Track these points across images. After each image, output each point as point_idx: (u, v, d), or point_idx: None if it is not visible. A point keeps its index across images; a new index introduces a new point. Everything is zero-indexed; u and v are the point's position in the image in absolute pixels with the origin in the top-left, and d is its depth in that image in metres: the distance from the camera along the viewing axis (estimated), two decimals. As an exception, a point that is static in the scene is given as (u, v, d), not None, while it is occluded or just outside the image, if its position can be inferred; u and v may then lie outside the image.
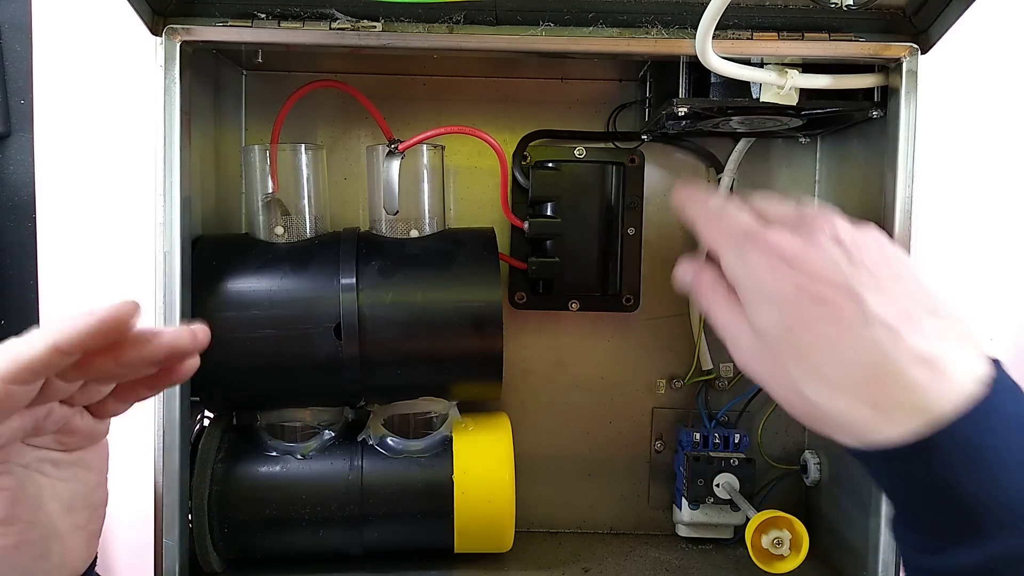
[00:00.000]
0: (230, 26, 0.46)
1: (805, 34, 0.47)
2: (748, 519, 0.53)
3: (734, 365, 0.62)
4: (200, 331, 0.37)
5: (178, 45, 0.46)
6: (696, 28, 0.42)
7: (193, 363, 0.38)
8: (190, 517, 0.50)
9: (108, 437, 0.43)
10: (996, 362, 0.36)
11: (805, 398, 0.38)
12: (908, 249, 0.48)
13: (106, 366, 0.35)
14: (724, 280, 0.42)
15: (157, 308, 0.47)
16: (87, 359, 0.35)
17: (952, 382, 0.35)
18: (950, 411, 0.34)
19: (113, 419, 0.41)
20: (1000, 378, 0.35)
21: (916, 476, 0.35)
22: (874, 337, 0.36)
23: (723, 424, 0.61)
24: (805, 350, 0.38)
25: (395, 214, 0.53)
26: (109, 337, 0.34)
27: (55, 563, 0.39)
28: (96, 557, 0.42)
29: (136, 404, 0.41)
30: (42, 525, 0.39)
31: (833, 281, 0.37)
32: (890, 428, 0.35)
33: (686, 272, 0.45)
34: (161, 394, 0.47)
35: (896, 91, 0.48)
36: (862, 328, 0.36)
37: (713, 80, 0.50)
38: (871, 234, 0.40)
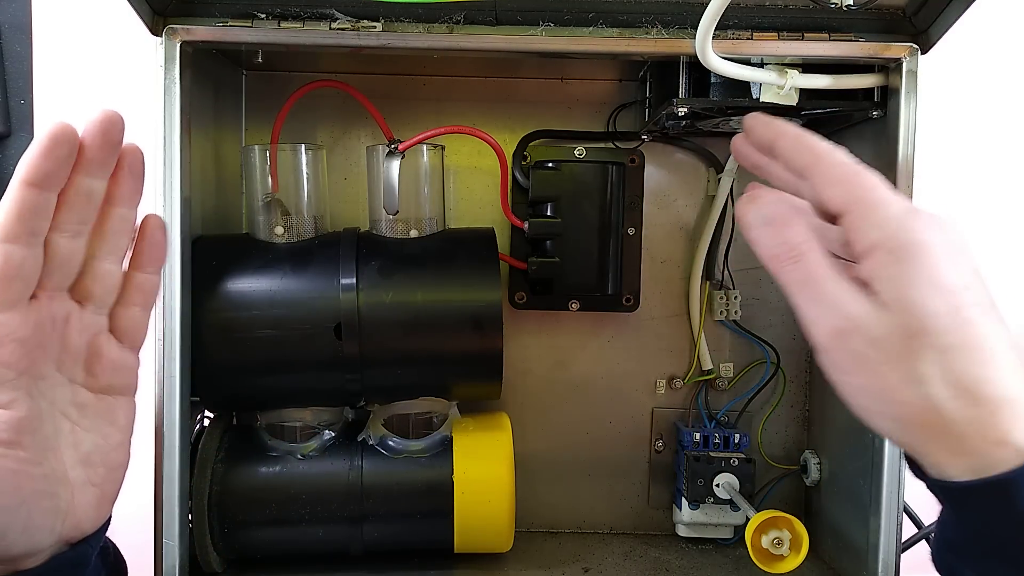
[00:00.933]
0: (230, 26, 0.46)
1: (805, 34, 0.47)
2: (748, 519, 0.53)
3: (734, 365, 0.62)
4: (105, 113, 0.38)
5: (178, 45, 0.46)
6: (696, 28, 0.42)
7: (138, 163, 0.40)
8: (190, 517, 0.50)
9: (136, 397, 0.42)
10: None
11: (913, 389, 0.33)
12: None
13: (77, 190, 0.37)
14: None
15: (157, 308, 0.47)
16: (62, 193, 0.36)
17: None
18: None
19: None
20: None
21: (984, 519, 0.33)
22: (1012, 362, 0.33)
23: (723, 424, 0.61)
24: (949, 348, 0.33)
25: (395, 214, 0.53)
26: (60, 152, 0.36)
27: (60, 508, 0.38)
28: (109, 520, 0.41)
29: (144, 307, 0.42)
30: (50, 466, 0.38)
31: (979, 288, 0.34)
32: (1016, 458, 0.32)
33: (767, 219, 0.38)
34: (161, 394, 0.47)
35: (896, 91, 0.48)
36: (1006, 349, 0.33)
37: (713, 80, 0.50)
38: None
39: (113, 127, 0.38)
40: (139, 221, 0.42)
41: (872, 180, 0.36)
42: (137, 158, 0.40)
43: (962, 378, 0.32)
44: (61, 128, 0.36)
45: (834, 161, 0.37)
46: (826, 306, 0.35)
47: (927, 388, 0.33)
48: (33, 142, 0.36)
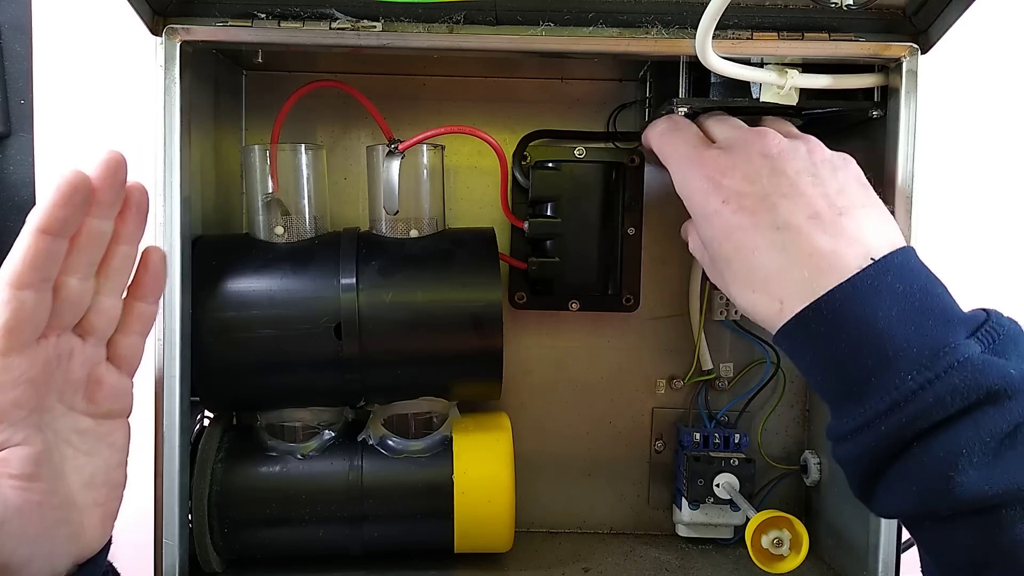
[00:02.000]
0: (230, 26, 0.46)
1: (805, 34, 0.47)
2: (748, 519, 0.53)
3: (734, 365, 0.62)
4: (111, 156, 0.39)
5: (178, 45, 0.46)
6: (696, 28, 0.42)
7: (144, 201, 0.41)
8: (190, 517, 0.50)
9: (130, 419, 0.43)
10: (906, 248, 0.41)
11: (736, 300, 0.44)
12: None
13: (89, 233, 0.38)
14: None
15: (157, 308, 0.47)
16: (74, 238, 0.38)
17: (838, 269, 0.39)
18: (826, 290, 0.39)
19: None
20: (893, 260, 0.39)
21: (803, 352, 0.40)
22: (780, 239, 0.41)
23: (723, 424, 0.61)
24: (728, 258, 0.43)
25: (395, 214, 0.53)
26: (77, 199, 0.36)
27: (75, 533, 0.40)
28: (111, 539, 0.43)
29: (142, 334, 0.43)
30: (62, 494, 0.39)
31: (750, 192, 0.43)
32: (790, 314, 0.40)
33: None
34: (161, 394, 0.47)
35: (896, 91, 0.48)
36: (771, 232, 0.41)
37: (713, 80, 0.50)
38: (802, 142, 0.45)
39: (120, 168, 0.39)
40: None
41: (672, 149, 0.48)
42: (143, 196, 0.41)
43: (735, 279, 0.43)
44: (76, 176, 0.36)
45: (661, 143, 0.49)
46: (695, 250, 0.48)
47: (730, 290, 0.44)
48: (48, 191, 0.36)
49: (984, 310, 0.40)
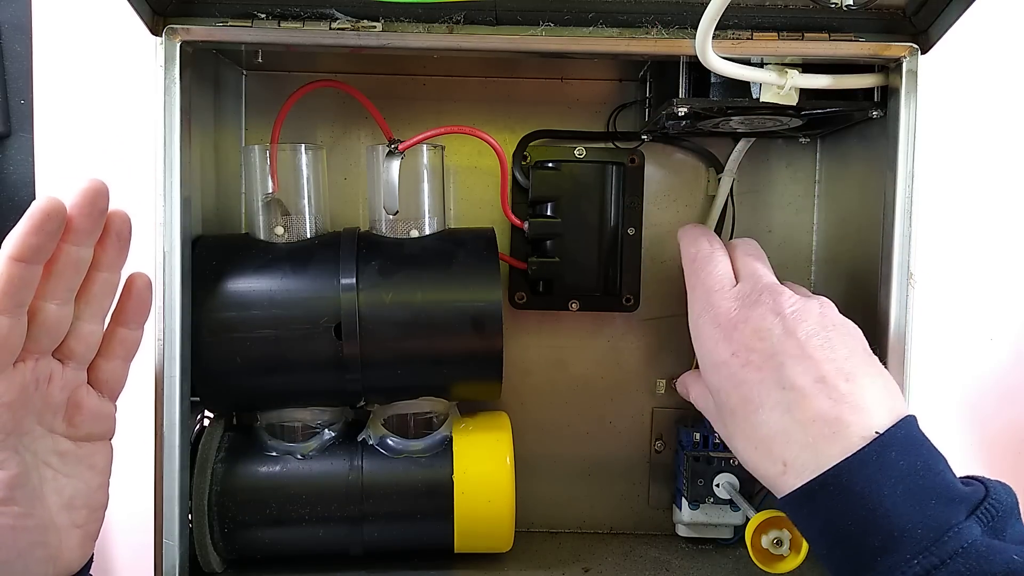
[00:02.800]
0: (230, 26, 0.46)
1: (805, 34, 0.47)
2: (748, 519, 0.53)
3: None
4: (92, 184, 0.39)
5: (178, 45, 0.46)
6: (696, 28, 0.42)
7: (126, 229, 0.41)
8: (190, 517, 0.50)
9: (113, 441, 0.43)
10: (908, 419, 0.41)
11: (739, 454, 0.44)
12: (908, 249, 0.48)
13: (66, 259, 0.38)
14: None
15: (157, 308, 0.47)
16: (47, 265, 0.37)
17: (841, 439, 0.39)
18: (833, 464, 0.39)
19: (115, 413, 0.43)
20: (896, 434, 0.39)
21: (810, 523, 0.40)
22: (785, 400, 0.41)
23: (723, 424, 0.61)
24: (733, 410, 0.44)
25: (395, 214, 0.53)
26: (49, 227, 0.36)
27: (51, 555, 0.40)
28: (92, 559, 0.43)
29: (125, 360, 0.43)
30: (40, 516, 0.39)
31: (760, 349, 0.43)
32: (794, 480, 0.40)
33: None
34: (161, 394, 0.47)
35: (896, 91, 0.48)
36: (776, 391, 0.42)
37: (713, 80, 0.50)
38: (816, 303, 0.45)
39: (99, 196, 0.38)
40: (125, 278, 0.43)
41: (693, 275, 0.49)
42: (125, 224, 0.41)
43: (738, 433, 0.44)
44: (50, 203, 0.36)
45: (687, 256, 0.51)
46: (696, 396, 0.51)
47: (733, 444, 0.45)
48: (23, 218, 0.36)
49: (982, 483, 0.40)
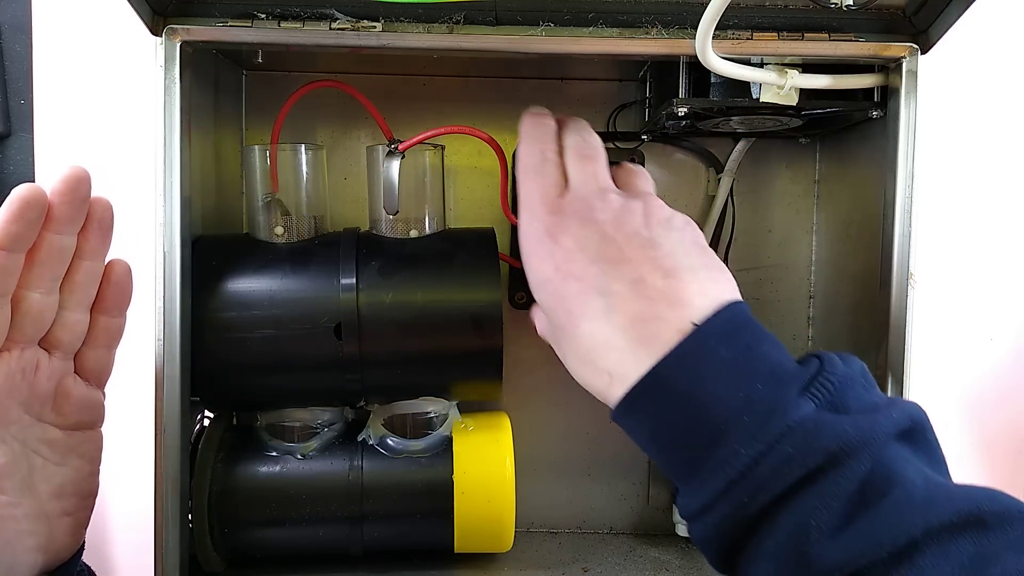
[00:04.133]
0: (230, 26, 0.46)
1: (805, 34, 0.47)
2: (748, 519, 0.53)
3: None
4: (73, 171, 0.38)
5: (178, 45, 0.46)
6: (696, 28, 0.42)
7: (107, 216, 0.41)
8: (190, 517, 0.50)
9: (103, 430, 0.44)
10: (731, 305, 0.38)
11: (573, 373, 0.42)
12: (908, 249, 0.48)
13: (49, 248, 0.38)
14: None
15: (157, 308, 0.47)
16: (31, 254, 0.38)
17: (660, 338, 0.37)
18: (650, 363, 0.37)
19: (105, 416, 0.43)
20: (715, 322, 0.37)
21: (639, 432, 0.39)
22: (604, 306, 0.39)
23: (723, 424, 0.61)
24: (561, 328, 0.41)
25: (395, 214, 0.53)
26: (30, 215, 0.36)
27: (41, 544, 0.40)
28: (83, 545, 0.43)
29: (110, 347, 0.43)
30: (29, 504, 0.40)
31: (580, 259, 0.41)
32: (619, 390, 0.38)
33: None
34: (161, 394, 0.47)
35: (896, 91, 0.48)
36: (595, 299, 0.39)
37: (713, 80, 0.50)
38: (639, 202, 0.43)
39: (80, 184, 0.38)
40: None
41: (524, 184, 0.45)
42: (107, 212, 0.41)
43: (568, 349, 0.42)
44: (30, 191, 0.36)
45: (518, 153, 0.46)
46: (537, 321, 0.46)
47: (566, 359, 0.42)
48: (3, 206, 0.36)
49: (817, 356, 0.37)
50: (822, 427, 0.34)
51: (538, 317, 0.47)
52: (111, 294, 0.43)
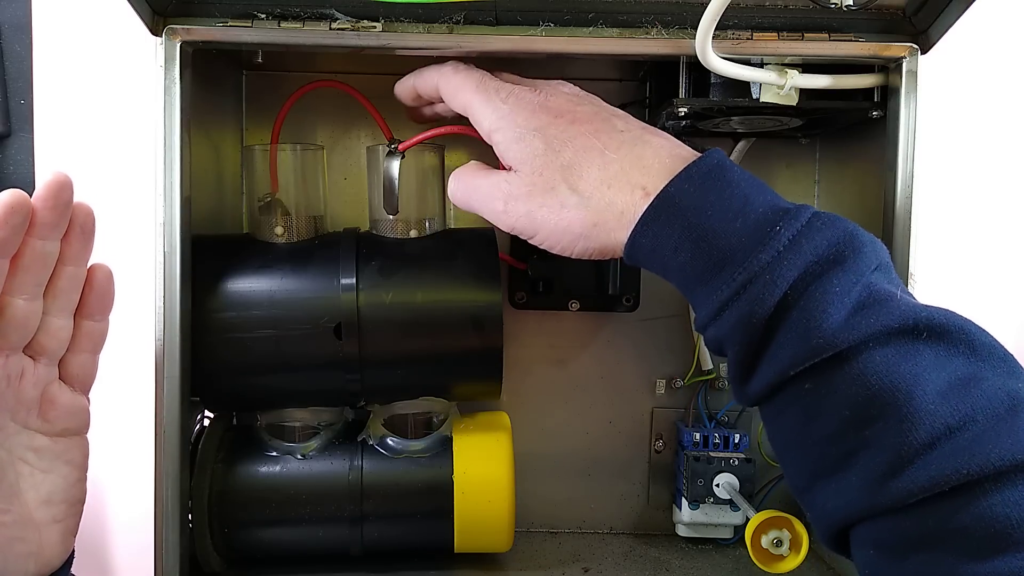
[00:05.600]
0: (230, 26, 0.46)
1: (805, 34, 0.47)
2: (748, 519, 0.53)
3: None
4: (56, 177, 0.39)
5: (178, 45, 0.46)
6: (696, 28, 0.42)
7: (89, 221, 0.41)
8: (190, 517, 0.50)
9: (89, 435, 0.43)
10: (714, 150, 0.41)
11: (572, 212, 0.42)
12: (908, 249, 0.48)
13: (33, 254, 0.38)
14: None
15: (157, 308, 0.47)
16: (14, 260, 0.38)
17: (684, 158, 0.41)
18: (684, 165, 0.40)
19: (92, 423, 0.43)
20: (713, 153, 0.41)
21: (669, 232, 0.39)
22: (629, 138, 0.42)
23: (723, 424, 0.61)
24: (569, 164, 0.42)
25: (395, 214, 0.53)
26: (14, 221, 0.36)
27: (31, 551, 0.40)
28: (72, 555, 0.43)
29: (93, 352, 0.43)
30: (18, 512, 0.40)
31: (580, 110, 0.44)
32: (647, 202, 0.40)
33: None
34: (161, 394, 0.47)
35: (896, 91, 0.48)
36: (616, 134, 0.42)
37: (713, 80, 0.50)
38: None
39: (63, 190, 0.38)
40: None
41: (471, 86, 0.46)
42: (89, 217, 0.41)
43: (590, 174, 0.42)
44: (14, 196, 0.36)
45: (449, 80, 0.47)
46: (489, 194, 0.45)
47: (573, 198, 0.42)
48: None
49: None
50: (838, 217, 0.38)
51: (492, 181, 0.46)
52: (94, 299, 0.42)
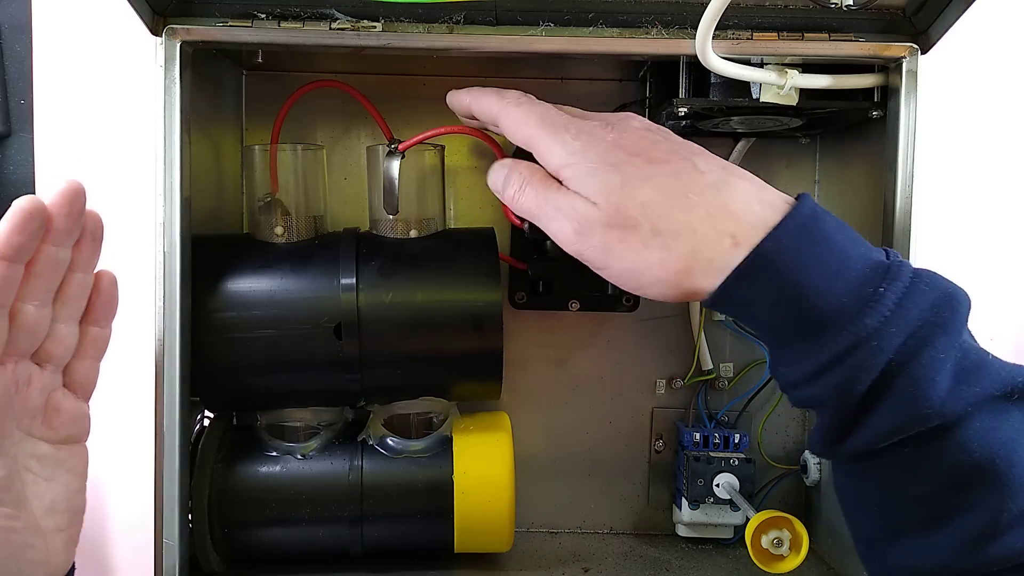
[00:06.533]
0: (230, 26, 0.46)
1: (805, 34, 0.47)
2: (748, 519, 0.53)
3: (734, 365, 0.62)
4: (70, 184, 0.39)
5: (178, 45, 0.46)
6: (696, 28, 0.42)
7: (99, 229, 0.41)
8: (190, 517, 0.50)
9: (97, 437, 0.43)
10: (804, 195, 0.40)
11: (654, 254, 0.39)
12: (908, 249, 0.48)
13: (46, 260, 0.39)
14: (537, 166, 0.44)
15: (157, 308, 0.47)
16: (27, 266, 0.38)
17: (781, 206, 0.39)
18: (770, 228, 0.38)
19: (91, 427, 0.43)
20: (806, 202, 0.39)
21: (764, 289, 0.38)
22: (714, 180, 0.40)
23: (723, 424, 0.61)
24: (652, 203, 0.39)
25: (395, 214, 0.53)
26: (32, 226, 0.37)
27: (40, 558, 0.40)
28: (74, 566, 0.43)
29: (97, 359, 0.43)
30: (26, 519, 0.39)
31: (657, 149, 0.41)
32: (739, 253, 0.38)
33: (500, 168, 0.46)
34: (161, 394, 0.47)
35: (896, 91, 0.48)
36: (700, 176, 0.40)
37: (713, 80, 0.50)
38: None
39: (77, 197, 0.39)
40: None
41: (535, 121, 0.43)
42: (99, 225, 0.41)
43: (673, 216, 0.39)
44: (32, 203, 0.37)
45: (510, 113, 0.44)
46: (563, 213, 0.41)
47: (656, 240, 0.39)
48: (5, 218, 0.37)
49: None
50: (934, 274, 0.38)
51: (579, 203, 0.41)
52: (100, 305, 0.43)
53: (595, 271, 0.42)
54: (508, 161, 0.45)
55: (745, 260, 0.37)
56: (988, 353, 0.37)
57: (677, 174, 0.40)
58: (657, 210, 0.39)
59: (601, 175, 0.40)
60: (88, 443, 0.44)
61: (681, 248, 0.39)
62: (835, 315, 0.36)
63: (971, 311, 0.37)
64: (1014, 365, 0.36)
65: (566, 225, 0.41)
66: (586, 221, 0.40)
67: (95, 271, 0.42)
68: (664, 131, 0.43)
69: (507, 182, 0.44)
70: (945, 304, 0.36)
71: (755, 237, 0.38)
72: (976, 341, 0.37)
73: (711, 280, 0.38)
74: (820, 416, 0.39)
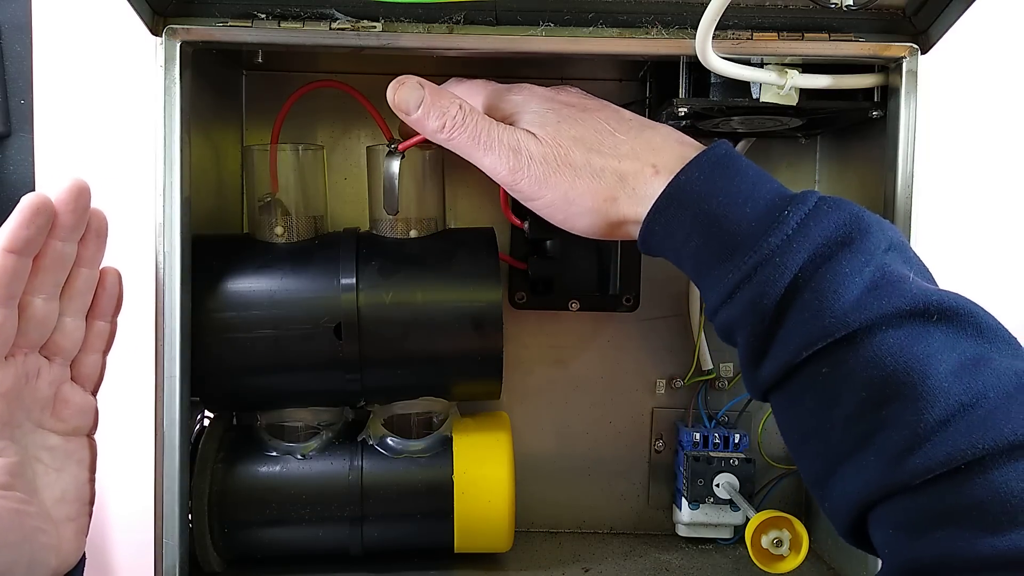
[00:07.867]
0: (230, 26, 0.46)
1: (805, 34, 0.47)
2: (748, 519, 0.53)
3: (734, 365, 0.62)
4: (75, 182, 0.41)
5: (178, 45, 0.46)
6: (696, 28, 0.42)
7: (104, 226, 0.43)
8: (190, 517, 0.50)
9: (97, 436, 0.44)
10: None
11: (584, 183, 0.43)
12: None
13: (53, 255, 0.40)
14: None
15: (157, 308, 0.47)
16: (35, 261, 0.40)
17: (693, 147, 0.43)
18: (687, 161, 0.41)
19: (98, 421, 0.44)
20: (723, 144, 0.42)
21: (682, 216, 0.40)
22: (638, 123, 0.44)
23: (723, 424, 0.61)
24: (584, 137, 0.43)
25: (395, 214, 0.53)
26: (39, 221, 0.39)
27: (52, 544, 0.41)
28: (84, 557, 0.43)
29: (103, 352, 0.45)
30: (38, 505, 0.41)
31: (589, 102, 0.46)
32: (659, 180, 0.41)
33: (415, 90, 0.46)
34: (161, 394, 0.47)
35: (896, 91, 0.48)
36: (625, 120, 0.44)
37: (713, 80, 0.50)
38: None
39: (83, 194, 0.41)
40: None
41: (477, 90, 0.48)
42: (103, 222, 0.43)
43: (602, 150, 0.43)
44: (39, 198, 0.39)
45: (456, 90, 0.48)
46: (504, 144, 0.44)
47: (587, 170, 0.43)
48: (14, 212, 0.38)
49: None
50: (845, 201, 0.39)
51: (521, 143, 0.44)
52: (106, 300, 0.44)
53: (524, 203, 0.45)
54: (426, 83, 0.46)
55: (661, 194, 0.41)
56: (921, 276, 0.38)
57: (607, 119, 0.44)
58: (588, 143, 0.43)
59: (541, 114, 0.44)
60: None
61: (608, 177, 0.42)
62: (744, 238, 0.38)
63: (894, 237, 0.38)
64: (944, 290, 0.37)
65: (505, 155, 0.43)
66: (526, 151, 0.43)
67: (100, 267, 0.44)
68: (597, 98, 0.47)
69: (434, 109, 0.45)
70: (852, 224, 0.37)
71: (674, 166, 0.41)
72: (913, 270, 0.38)
73: (635, 208, 0.42)
74: (740, 342, 0.40)
